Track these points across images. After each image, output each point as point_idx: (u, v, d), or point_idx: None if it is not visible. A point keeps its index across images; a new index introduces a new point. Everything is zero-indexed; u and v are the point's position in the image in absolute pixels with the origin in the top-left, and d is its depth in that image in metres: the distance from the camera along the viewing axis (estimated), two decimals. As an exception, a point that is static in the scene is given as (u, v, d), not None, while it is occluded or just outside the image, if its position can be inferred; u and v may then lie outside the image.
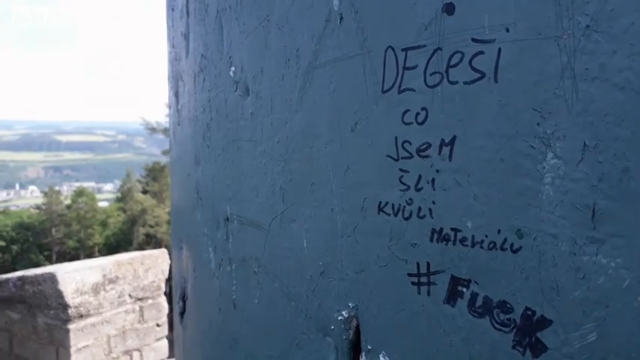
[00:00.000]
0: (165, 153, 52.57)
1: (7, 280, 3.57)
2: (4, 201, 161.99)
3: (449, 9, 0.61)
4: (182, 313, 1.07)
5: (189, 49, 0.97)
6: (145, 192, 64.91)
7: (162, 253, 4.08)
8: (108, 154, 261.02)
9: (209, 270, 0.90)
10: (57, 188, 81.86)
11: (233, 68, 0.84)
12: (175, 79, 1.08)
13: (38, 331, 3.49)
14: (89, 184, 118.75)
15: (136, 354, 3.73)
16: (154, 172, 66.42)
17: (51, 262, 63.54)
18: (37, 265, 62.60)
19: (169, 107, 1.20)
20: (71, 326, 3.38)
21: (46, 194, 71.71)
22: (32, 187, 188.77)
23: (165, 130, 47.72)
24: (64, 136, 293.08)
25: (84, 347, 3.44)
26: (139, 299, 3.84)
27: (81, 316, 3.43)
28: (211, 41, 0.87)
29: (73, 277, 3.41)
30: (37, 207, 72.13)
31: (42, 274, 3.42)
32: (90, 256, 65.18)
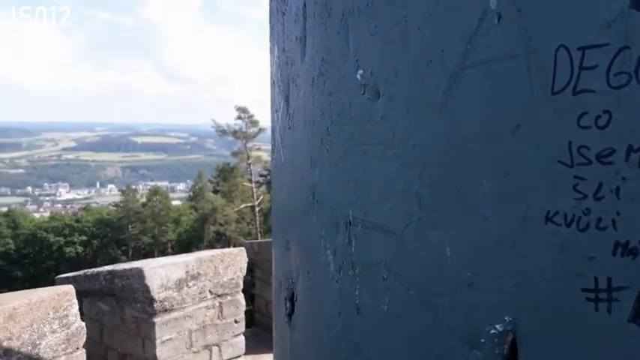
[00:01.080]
0: (234, 154, 54.22)
1: (98, 274, 3.80)
2: (86, 198, 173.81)
3: (637, 4, 0.56)
4: (290, 315, 1.08)
5: (305, 53, 0.97)
6: (215, 192, 67.31)
7: (241, 251, 4.19)
8: (181, 155, 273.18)
9: (327, 273, 0.90)
10: (133, 187, 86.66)
11: (361, 71, 0.83)
12: (286, 83, 1.09)
13: (126, 323, 3.69)
14: (163, 184, 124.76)
15: (215, 349, 3.85)
16: (224, 173, 68.71)
17: (127, 257, 67.25)
18: (115, 259, 66.37)
19: (275, 111, 1.22)
20: (156, 319, 3.54)
21: (123, 193, 76.13)
22: (111, 186, 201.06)
23: (234, 133, 49.28)
24: (140, 138, 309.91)
25: (168, 340, 3.60)
26: (219, 295, 3.96)
27: (165, 311, 3.59)
28: (334, 45, 0.87)
29: (159, 273, 3.58)
30: (116, 205, 76.75)
31: (130, 269, 3.61)
32: (163, 252, 68.31)
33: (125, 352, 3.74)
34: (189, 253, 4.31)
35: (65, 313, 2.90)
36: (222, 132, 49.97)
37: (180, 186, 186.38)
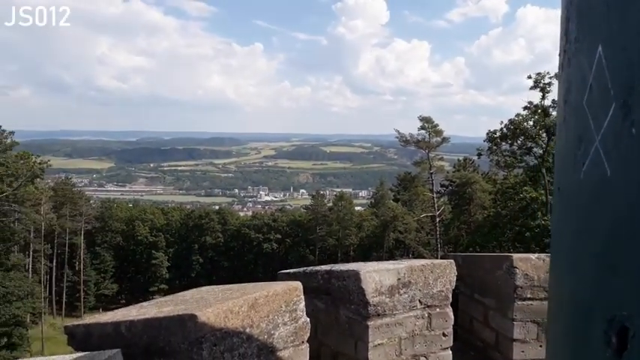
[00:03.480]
0: (416, 164, 53.95)
1: (316, 273, 4.02)
2: (281, 201, 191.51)
3: None
4: (620, 351, 0.91)
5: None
6: (396, 200, 67.85)
7: (450, 263, 4.03)
8: (364, 163, 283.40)
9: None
10: (322, 192, 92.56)
11: None
12: (623, 85, 0.93)
13: (340, 322, 3.83)
14: (347, 190, 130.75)
15: (424, 361, 3.76)
16: (405, 182, 68.85)
17: (314, 257, 71.64)
18: (304, 257, 71.04)
19: (594, 118, 1.06)
20: (370, 323, 3.59)
21: (313, 197, 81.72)
22: (302, 191, 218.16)
23: (417, 142, 49.07)
24: (329, 148, 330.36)
25: (379, 345, 3.62)
26: (428, 306, 3.86)
27: (378, 315, 3.62)
28: None
29: (373, 278, 3.63)
30: (306, 208, 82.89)
31: (347, 271, 3.73)
32: (346, 254, 71.05)
33: (337, 350, 3.87)
34: (400, 261, 4.30)
35: (294, 307, 3.11)
36: (405, 142, 50.21)
37: (363, 193, 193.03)
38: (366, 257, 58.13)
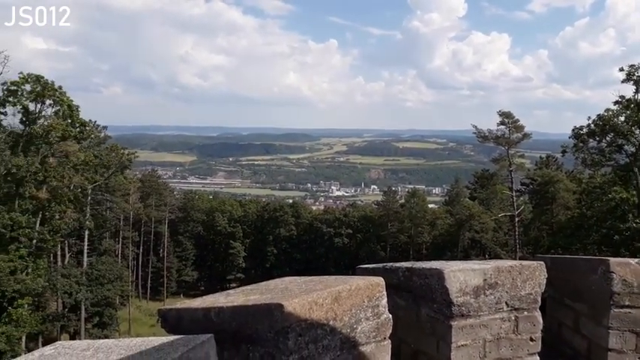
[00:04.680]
0: (494, 161, 51.87)
1: (396, 269, 3.97)
2: (352, 196, 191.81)
3: None
4: None
5: None
6: (472, 198, 65.71)
7: (540, 265, 3.83)
8: (438, 160, 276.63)
9: None
10: (393, 189, 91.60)
11: None
12: None
13: (421, 321, 3.76)
14: (420, 187, 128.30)
15: (510, 366, 3.61)
16: (482, 180, 66.48)
17: (386, 253, 71.14)
18: (375, 253, 70.70)
19: None
20: (453, 323, 3.50)
21: (385, 193, 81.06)
22: (373, 186, 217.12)
23: (496, 139, 47.09)
24: (402, 144, 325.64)
25: (462, 346, 3.52)
26: (515, 309, 3.70)
27: (462, 316, 3.51)
28: None
29: (458, 277, 3.53)
30: (377, 203, 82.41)
31: (429, 269, 3.66)
32: (418, 252, 69.97)
33: (418, 348, 3.81)
34: (486, 260, 4.15)
35: (377, 303, 3.10)
36: (483, 138, 48.51)
37: (437, 190, 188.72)
38: (439, 256, 56.85)
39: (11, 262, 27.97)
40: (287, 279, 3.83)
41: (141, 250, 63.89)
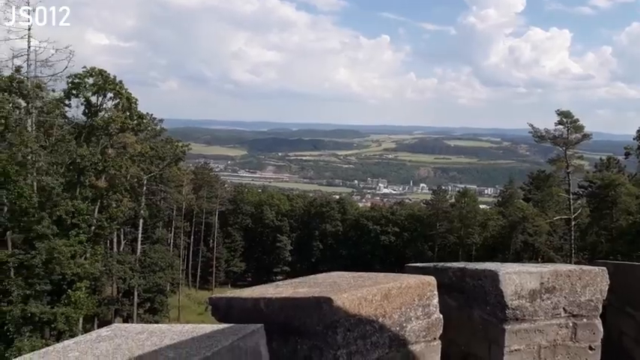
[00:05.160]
0: (551, 162, 49.89)
1: (447, 269, 3.88)
2: (400, 194, 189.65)
3: None
4: None
5: None
6: (526, 199, 63.45)
7: (602, 271, 3.63)
8: (491, 159, 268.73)
9: None
10: (443, 188, 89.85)
11: None
12: None
13: (472, 323, 3.65)
14: (471, 187, 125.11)
15: (568, 375, 3.44)
16: (538, 181, 64.03)
17: (433, 253, 70.00)
18: (422, 253, 69.62)
19: None
20: (507, 327, 3.37)
21: (434, 192, 79.68)
22: (423, 185, 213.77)
23: (554, 139, 45.22)
24: (453, 141, 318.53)
25: (515, 350, 3.39)
26: (573, 315, 3.52)
27: (516, 319, 3.38)
28: None
29: (513, 280, 3.39)
30: (426, 202, 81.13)
31: (483, 270, 3.54)
32: (468, 253, 68.36)
33: (469, 351, 3.70)
34: (544, 264, 3.98)
35: (427, 302, 3.03)
36: (540, 137, 46.92)
37: (489, 190, 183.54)
38: (490, 258, 55.38)
39: (72, 247, 29.51)
40: (335, 273, 3.81)
41: (192, 240, 65.88)
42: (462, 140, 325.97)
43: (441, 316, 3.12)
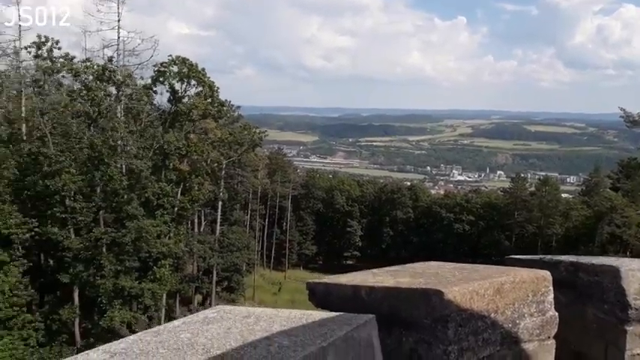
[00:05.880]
0: (643, 149, 45.90)
1: (557, 263, 3.61)
2: (475, 181, 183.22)
3: None
4: None
5: None
6: (614, 189, 59.08)
7: None
8: (575, 146, 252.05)
9: None
10: (522, 175, 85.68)
11: None
12: None
13: (586, 322, 3.38)
14: (553, 174, 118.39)
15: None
16: (628, 169, 59.29)
17: (510, 243, 67.30)
18: (498, 242, 67.12)
19: None
20: (629, 328, 3.09)
21: (512, 180, 76.23)
22: (499, 172, 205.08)
23: (647, 124, 41.48)
24: (534, 127, 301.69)
25: (637, 355, 3.09)
26: None
27: (639, 321, 3.08)
28: None
29: (637, 277, 3.09)
30: (503, 190, 77.84)
31: (601, 266, 3.26)
32: (547, 244, 65.03)
33: (580, 350, 3.44)
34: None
35: (542, 298, 2.83)
36: (632, 122, 43.48)
37: (572, 178, 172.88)
38: (572, 249, 52.39)
39: (157, 227, 31.34)
40: (434, 263, 3.67)
41: (266, 223, 67.79)
42: (543, 125, 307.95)
43: (557, 313, 2.90)
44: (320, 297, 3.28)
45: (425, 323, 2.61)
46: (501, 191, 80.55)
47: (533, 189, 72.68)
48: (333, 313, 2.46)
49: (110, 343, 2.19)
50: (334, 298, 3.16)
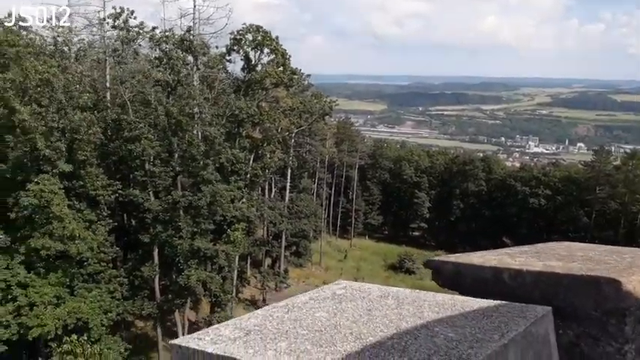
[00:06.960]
0: None
1: None
2: (553, 154, 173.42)
3: None
4: None
5: None
6: None
7: None
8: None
9: None
10: (606, 148, 79.88)
11: None
12: None
13: None
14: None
15: None
16: None
17: (589, 219, 63.52)
18: (576, 219, 63.57)
19: None
20: None
21: (595, 152, 71.33)
22: (580, 144, 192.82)
23: None
24: (620, 96, 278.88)
25: None
26: None
27: None
28: None
29: None
30: (585, 164, 73.11)
31: None
32: (631, 222, 60.82)
33: None
34: None
35: None
36: None
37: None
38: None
39: (231, 192, 32.25)
40: (574, 245, 3.26)
41: (333, 191, 68.17)
42: (631, 95, 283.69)
43: None
44: (447, 277, 2.99)
45: (592, 315, 2.26)
46: (582, 165, 75.87)
47: (618, 163, 67.98)
48: (493, 302, 2.18)
49: (239, 318, 2.01)
50: (466, 279, 2.86)
